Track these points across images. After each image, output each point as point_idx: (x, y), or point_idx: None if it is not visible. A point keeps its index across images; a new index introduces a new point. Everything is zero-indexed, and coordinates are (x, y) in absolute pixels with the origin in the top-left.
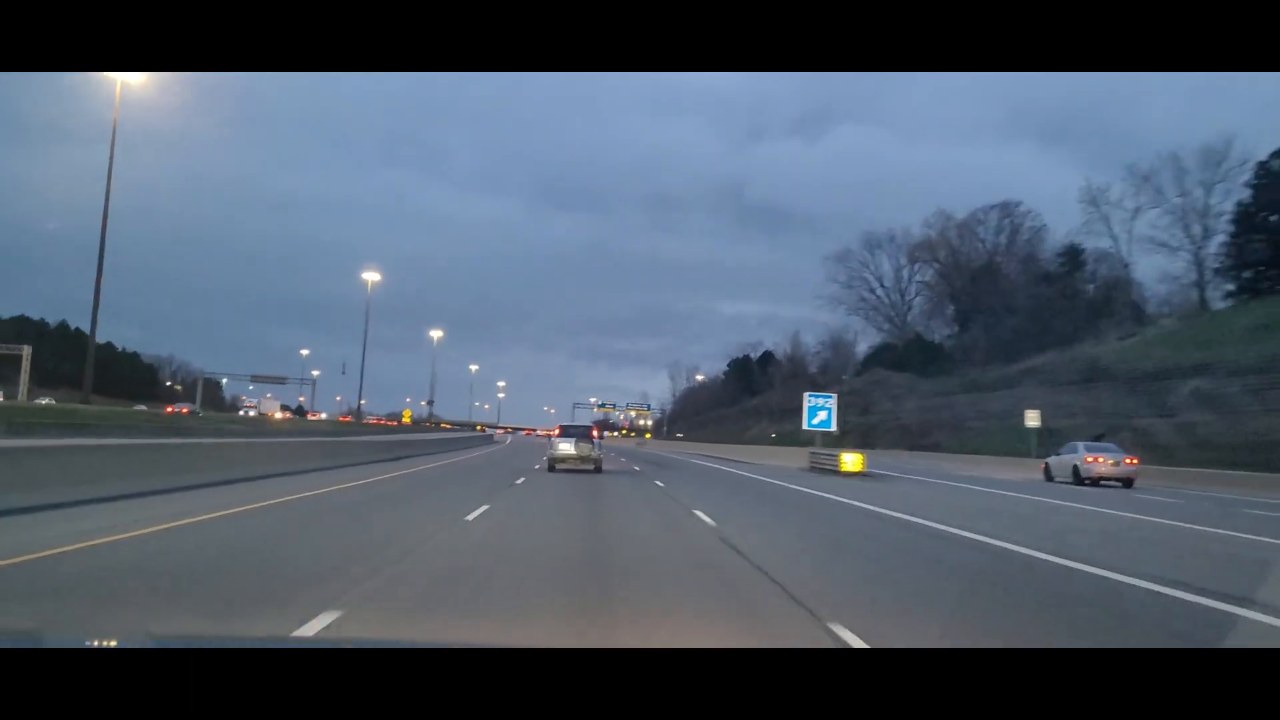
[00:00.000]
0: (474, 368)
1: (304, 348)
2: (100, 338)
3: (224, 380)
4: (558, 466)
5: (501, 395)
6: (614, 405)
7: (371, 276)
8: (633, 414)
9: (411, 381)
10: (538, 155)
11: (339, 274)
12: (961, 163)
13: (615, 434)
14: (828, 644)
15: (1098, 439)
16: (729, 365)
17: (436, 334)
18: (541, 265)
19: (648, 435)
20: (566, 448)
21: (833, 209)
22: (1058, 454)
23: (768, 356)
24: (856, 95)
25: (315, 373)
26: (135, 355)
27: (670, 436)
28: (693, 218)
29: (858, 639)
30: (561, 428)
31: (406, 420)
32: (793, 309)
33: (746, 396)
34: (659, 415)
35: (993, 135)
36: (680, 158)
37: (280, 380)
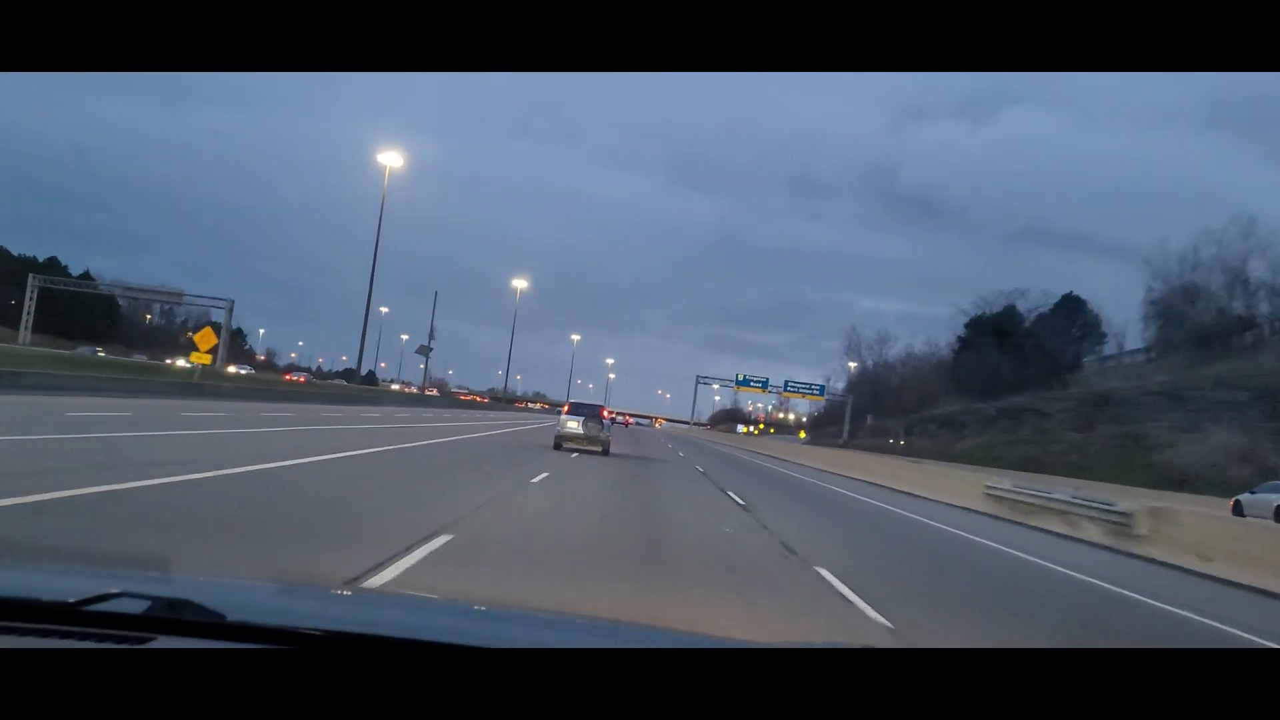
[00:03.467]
0: (575, 337)
1: (405, 314)
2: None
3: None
4: (564, 445)
5: (611, 376)
6: (762, 384)
7: (391, 161)
8: (772, 403)
9: (521, 359)
10: (673, 130)
11: (460, 248)
12: (1148, 154)
13: (748, 429)
14: None
15: None
16: (967, 327)
17: (520, 284)
18: (670, 247)
19: (802, 434)
20: (574, 426)
21: (992, 201)
22: (1253, 492)
23: (1074, 303)
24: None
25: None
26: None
27: (863, 436)
28: (836, 204)
29: None
30: (570, 405)
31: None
32: (936, 308)
33: (1039, 374)
34: (820, 406)
35: (1187, 123)
36: (828, 136)
37: (175, 297)
